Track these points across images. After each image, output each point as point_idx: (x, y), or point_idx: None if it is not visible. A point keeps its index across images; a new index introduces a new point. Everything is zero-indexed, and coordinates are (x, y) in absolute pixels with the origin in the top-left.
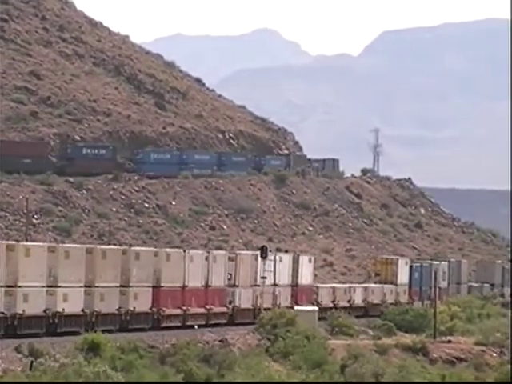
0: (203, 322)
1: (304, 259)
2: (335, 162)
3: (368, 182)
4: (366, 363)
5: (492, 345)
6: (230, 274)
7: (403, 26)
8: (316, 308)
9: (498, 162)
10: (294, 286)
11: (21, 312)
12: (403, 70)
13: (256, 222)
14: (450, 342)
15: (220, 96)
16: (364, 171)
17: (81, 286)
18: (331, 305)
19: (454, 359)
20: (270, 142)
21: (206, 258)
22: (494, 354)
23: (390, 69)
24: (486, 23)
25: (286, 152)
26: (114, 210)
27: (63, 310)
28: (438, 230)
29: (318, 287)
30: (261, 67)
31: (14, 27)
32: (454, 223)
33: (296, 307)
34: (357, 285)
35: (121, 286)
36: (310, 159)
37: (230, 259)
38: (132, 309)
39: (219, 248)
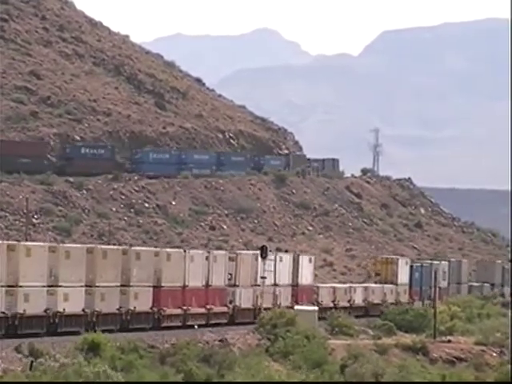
0: (203, 322)
1: (304, 259)
2: (335, 161)
3: (368, 182)
4: (365, 363)
5: (492, 345)
6: (231, 274)
7: (403, 25)
8: (316, 308)
9: (498, 162)
10: (295, 285)
11: (21, 312)
12: (403, 70)
13: (256, 221)
14: (449, 341)
15: (220, 96)
16: (364, 171)
17: (81, 286)
18: (331, 305)
19: (454, 359)
20: (270, 142)
21: (207, 258)
22: (494, 354)
23: (389, 69)
24: (485, 23)
25: (286, 152)
26: (114, 209)
27: (64, 309)
28: (438, 230)
29: (318, 287)
30: (261, 67)
31: (14, 27)
32: (453, 223)
33: (296, 307)
34: (357, 285)
35: (121, 285)
36: (309, 159)
37: (231, 259)
38: (132, 309)
39: (219, 248)
